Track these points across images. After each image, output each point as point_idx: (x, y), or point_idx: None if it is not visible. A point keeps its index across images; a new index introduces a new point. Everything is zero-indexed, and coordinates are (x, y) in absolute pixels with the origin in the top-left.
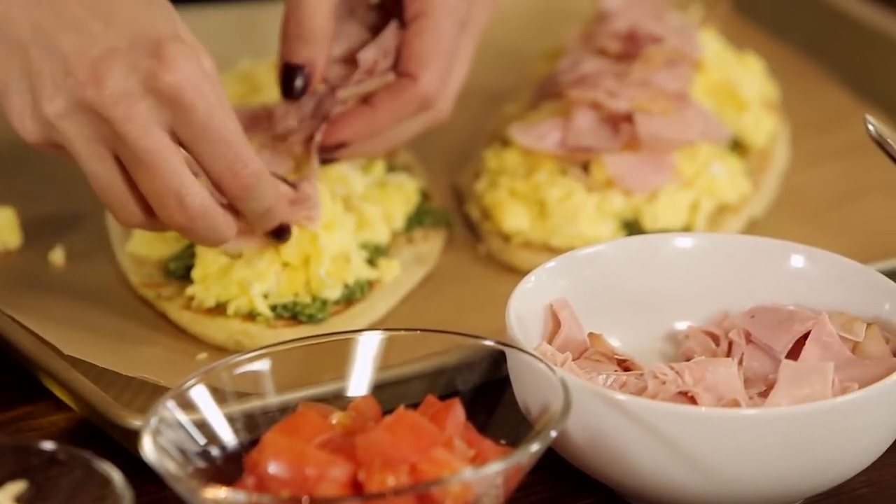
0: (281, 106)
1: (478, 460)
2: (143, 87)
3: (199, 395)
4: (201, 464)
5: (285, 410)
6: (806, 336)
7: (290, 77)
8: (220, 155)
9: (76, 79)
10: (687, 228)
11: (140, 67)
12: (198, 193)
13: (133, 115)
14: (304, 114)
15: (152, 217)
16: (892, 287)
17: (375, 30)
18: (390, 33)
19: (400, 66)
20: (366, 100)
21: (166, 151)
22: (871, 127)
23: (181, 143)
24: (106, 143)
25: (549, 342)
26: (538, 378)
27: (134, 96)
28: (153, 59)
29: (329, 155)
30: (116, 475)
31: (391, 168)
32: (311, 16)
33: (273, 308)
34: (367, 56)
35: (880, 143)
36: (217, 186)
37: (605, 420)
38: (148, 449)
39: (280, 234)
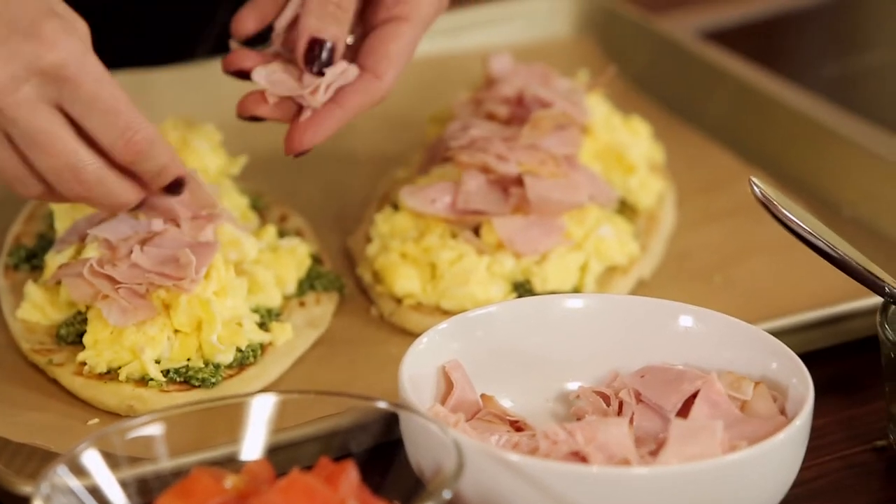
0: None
1: None
2: (26, 70)
3: (92, 460)
4: None
5: (178, 475)
6: (695, 395)
7: (315, 50)
8: (111, 125)
9: None
10: (577, 290)
11: (20, 52)
12: (92, 164)
13: (20, 99)
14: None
15: (51, 190)
16: (779, 346)
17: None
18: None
19: (369, 62)
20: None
21: (57, 129)
22: (756, 188)
23: (70, 118)
24: None
25: (442, 403)
26: (431, 439)
27: (18, 80)
28: (32, 40)
29: (300, 155)
30: None
31: (283, 233)
32: None
33: (165, 373)
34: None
35: (766, 205)
36: (111, 154)
37: (498, 480)
38: None
39: (174, 188)
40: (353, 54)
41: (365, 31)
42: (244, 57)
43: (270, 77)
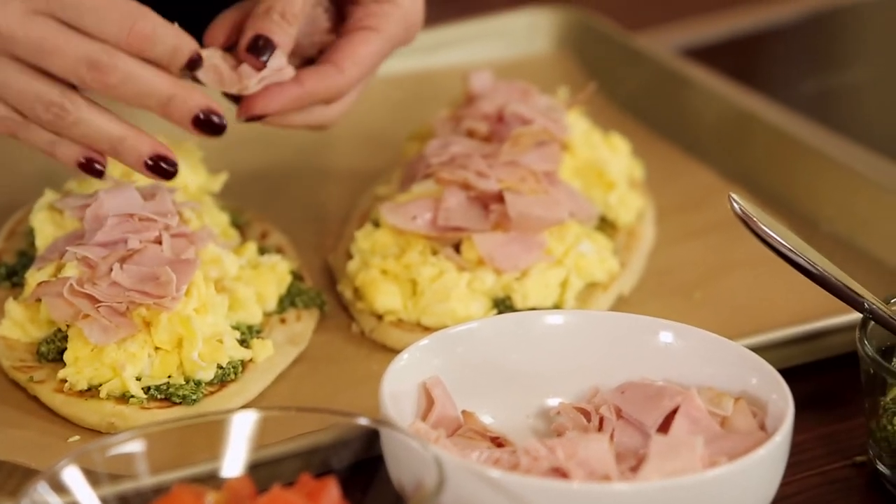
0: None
1: None
2: None
3: (72, 477)
4: None
5: (159, 492)
6: (675, 411)
7: (259, 42)
8: (108, 20)
9: None
10: (557, 306)
11: None
12: (104, 49)
13: (9, 14)
14: None
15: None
16: (759, 362)
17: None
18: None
19: (332, 56)
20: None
21: (58, 31)
22: (735, 204)
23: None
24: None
25: (423, 420)
26: (412, 456)
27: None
28: None
29: (252, 120)
30: None
31: (263, 250)
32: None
33: (146, 390)
34: None
35: (745, 221)
36: (119, 49)
37: (479, 497)
38: None
39: (193, 64)
40: (315, 56)
41: (343, 36)
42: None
43: (210, 60)
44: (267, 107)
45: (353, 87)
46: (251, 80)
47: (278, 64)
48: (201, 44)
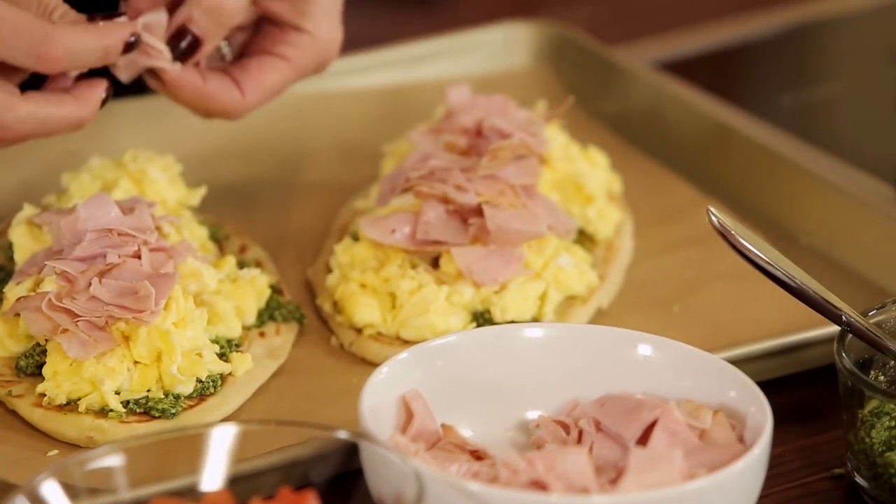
0: None
1: None
2: None
3: (51, 491)
4: None
5: None
6: (654, 424)
7: (182, 38)
8: (16, 48)
9: None
10: (536, 319)
11: None
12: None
13: None
14: None
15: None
16: (737, 375)
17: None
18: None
19: (240, 76)
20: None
21: None
22: (714, 218)
23: None
24: None
25: (403, 433)
26: (391, 469)
27: None
28: None
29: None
30: None
31: (242, 264)
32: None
33: (125, 404)
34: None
35: (723, 234)
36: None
37: None
38: None
39: (130, 47)
40: (225, 67)
41: (246, 54)
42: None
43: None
44: (163, 74)
45: (249, 111)
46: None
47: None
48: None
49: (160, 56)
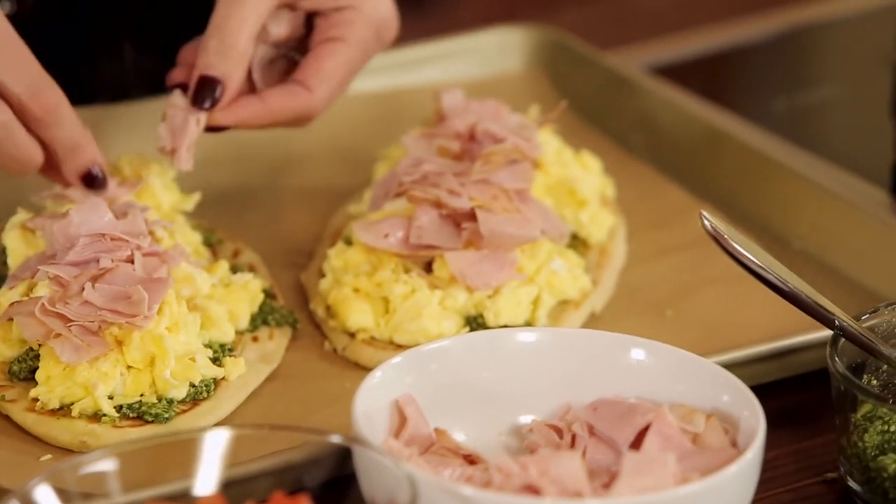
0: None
1: None
2: None
3: (44, 496)
4: None
5: None
6: (647, 428)
7: (204, 88)
8: (20, 76)
9: None
10: (529, 324)
11: None
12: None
13: None
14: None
15: None
16: (731, 379)
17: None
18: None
19: (300, 75)
20: (252, 89)
21: None
22: (706, 222)
23: None
24: None
25: (396, 438)
26: (384, 474)
27: None
28: None
29: (213, 131)
30: None
31: (235, 268)
32: (235, 31)
33: (118, 409)
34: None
35: (716, 238)
36: (20, 111)
37: None
38: None
39: (91, 181)
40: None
41: (311, 50)
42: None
43: (173, 101)
44: (224, 119)
45: (325, 103)
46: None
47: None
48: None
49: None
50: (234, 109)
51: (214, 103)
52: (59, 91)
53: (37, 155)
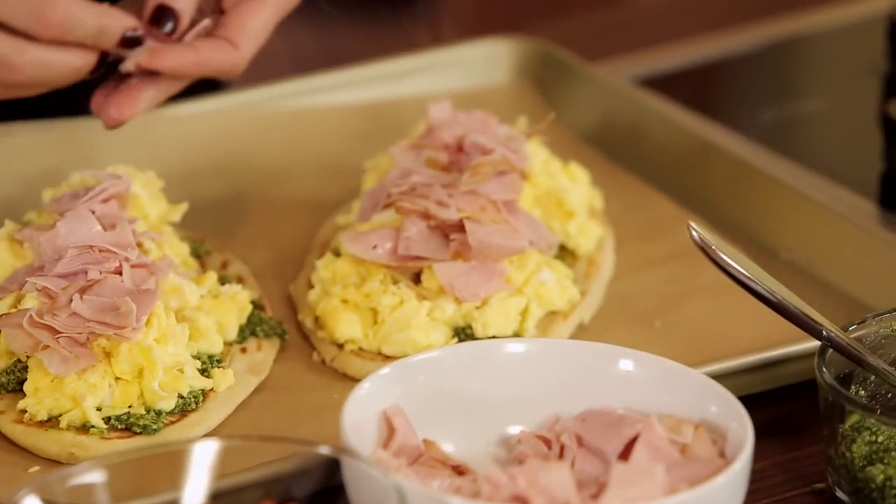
0: None
1: None
2: None
3: None
4: None
5: None
6: (636, 439)
7: (163, 14)
8: (18, 8)
9: None
10: (517, 334)
11: None
12: (15, 48)
13: None
14: None
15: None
16: (719, 390)
17: None
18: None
19: (226, 33)
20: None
21: None
22: (694, 233)
23: None
24: None
25: (384, 448)
26: (373, 484)
27: None
28: None
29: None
30: None
31: (224, 279)
32: None
33: (107, 420)
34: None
35: (704, 249)
36: (36, 38)
37: None
38: None
39: (130, 42)
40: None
41: (223, 14)
42: None
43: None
44: (159, 63)
45: (248, 59)
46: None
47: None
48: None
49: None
50: (168, 55)
51: (174, 31)
52: (61, 5)
53: (80, 59)
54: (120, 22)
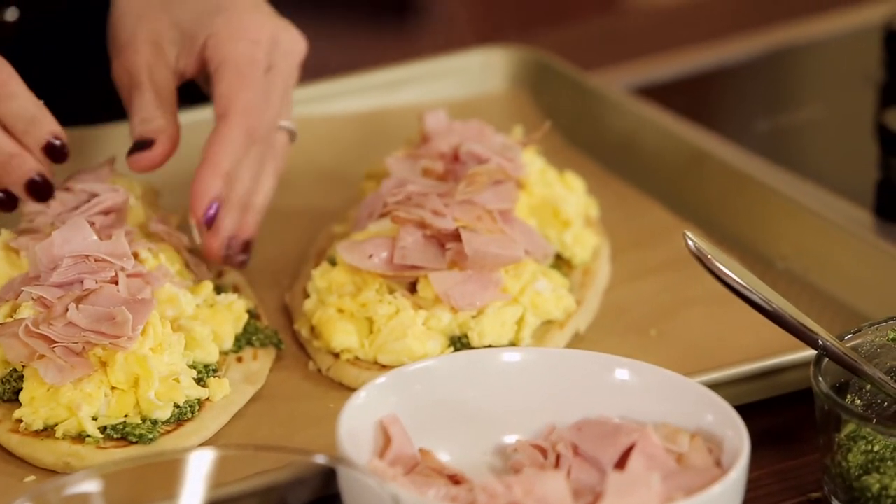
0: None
1: None
2: None
3: None
4: None
5: None
6: (631, 448)
7: (142, 146)
8: None
9: None
10: (513, 344)
11: None
12: None
13: None
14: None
15: None
16: (714, 399)
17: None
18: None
19: (215, 112)
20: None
21: None
22: (690, 242)
23: None
24: None
25: (381, 458)
26: (369, 494)
27: None
28: None
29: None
30: None
31: (220, 289)
32: (161, 90)
33: (102, 429)
34: None
35: (700, 258)
36: None
37: None
38: None
39: (52, 151)
40: None
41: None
42: None
43: None
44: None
45: (256, 114)
46: None
47: None
48: None
49: None
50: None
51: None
52: (6, 67)
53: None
54: (51, 121)
